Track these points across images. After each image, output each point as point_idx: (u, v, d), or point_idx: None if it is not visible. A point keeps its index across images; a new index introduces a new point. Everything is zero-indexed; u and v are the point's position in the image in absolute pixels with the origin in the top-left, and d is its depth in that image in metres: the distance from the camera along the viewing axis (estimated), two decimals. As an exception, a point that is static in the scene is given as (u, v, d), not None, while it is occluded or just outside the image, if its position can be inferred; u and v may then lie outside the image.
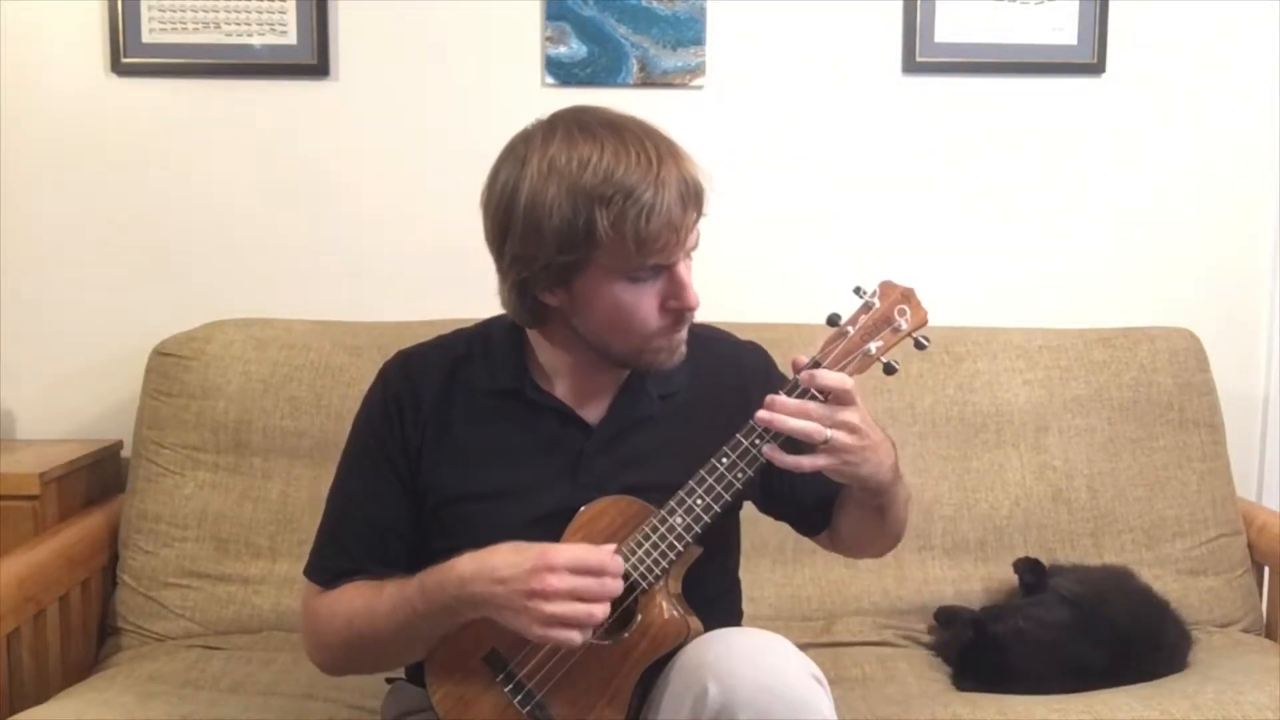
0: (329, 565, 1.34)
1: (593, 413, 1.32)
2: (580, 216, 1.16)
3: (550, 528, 1.24)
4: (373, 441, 1.34)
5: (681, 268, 1.22)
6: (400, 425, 1.32)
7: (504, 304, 1.29)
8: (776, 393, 1.18)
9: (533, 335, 1.33)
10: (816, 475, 1.30)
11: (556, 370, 1.33)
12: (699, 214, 1.22)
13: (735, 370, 1.38)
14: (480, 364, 1.34)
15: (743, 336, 1.48)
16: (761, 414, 1.17)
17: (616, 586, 1.16)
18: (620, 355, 1.27)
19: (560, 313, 1.26)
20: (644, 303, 1.22)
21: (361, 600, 1.28)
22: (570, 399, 1.32)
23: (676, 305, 1.23)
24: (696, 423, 1.27)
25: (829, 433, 1.16)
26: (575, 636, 1.14)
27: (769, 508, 1.43)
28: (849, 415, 1.17)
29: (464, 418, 1.32)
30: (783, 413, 1.16)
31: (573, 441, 1.31)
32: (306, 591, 1.36)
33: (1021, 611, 1.72)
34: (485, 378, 1.33)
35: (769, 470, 1.30)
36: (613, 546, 1.19)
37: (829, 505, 1.38)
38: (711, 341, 1.39)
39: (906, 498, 1.35)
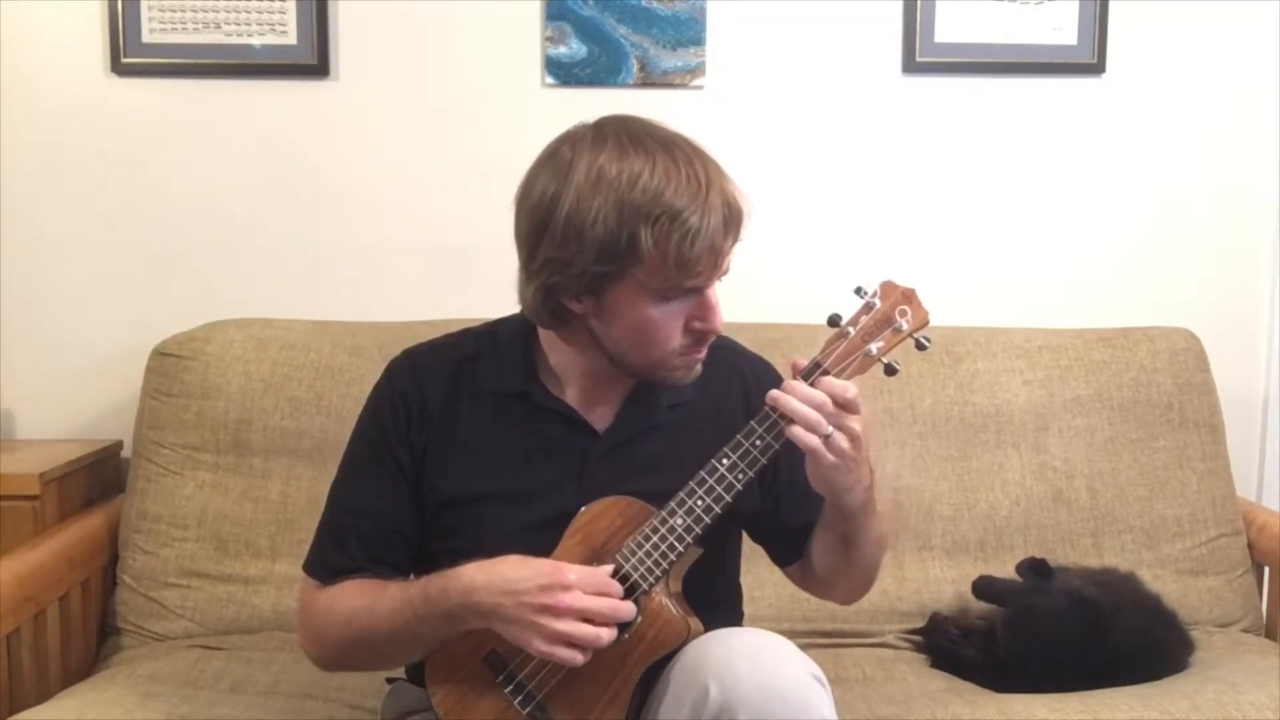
0: (328, 562, 1.34)
1: (600, 419, 1.32)
2: (624, 230, 1.16)
3: (552, 532, 1.24)
4: (378, 439, 1.34)
5: (710, 291, 1.23)
6: (406, 424, 1.32)
7: (523, 303, 1.28)
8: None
9: (545, 337, 1.32)
10: (804, 498, 1.29)
11: (567, 374, 1.32)
12: (736, 239, 1.22)
13: (742, 382, 1.38)
14: (488, 365, 1.34)
15: (742, 336, 1.48)
16: (773, 392, 1.17)
17: (626, 611, 1.16)
18: (636, 368, 1.27)
19: (582, 319, 1.25)
20: (670, 321, 1.22)
21: (363, 599, 1.28)
22: (578, 404, 1.32)
23: (702, 327, 1.24)
24: (703, 432, 1.26)
25: (831, 429, 1.15)
26: (578, 657, 1.15)
27: (751, 526, 1.42)
28: (853, 424, 1.17)
29: (470, 418, 1.32)
30: (794, 396, 1.16)
31: (579, 446, 1.31)
32: (304, 586, 1.36)
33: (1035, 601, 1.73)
34: (493, 379, 1.33)
35: (759, 489, 1.30)
36: (610, 567, 1.19)
37: (807, 533, 1.37)
38: (721, 352, 1.38)
39: (879, 539, 1.34)
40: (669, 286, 1.19)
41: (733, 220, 1.20)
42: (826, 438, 1.15)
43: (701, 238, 1.16)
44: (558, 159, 1.21)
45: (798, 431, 1.16)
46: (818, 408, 1.15)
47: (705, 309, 1.23)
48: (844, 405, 1.16)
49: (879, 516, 1.31)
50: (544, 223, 1.20)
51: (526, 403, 1.31)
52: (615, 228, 1.16)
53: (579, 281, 1.20)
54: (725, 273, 1.24)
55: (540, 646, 1.15)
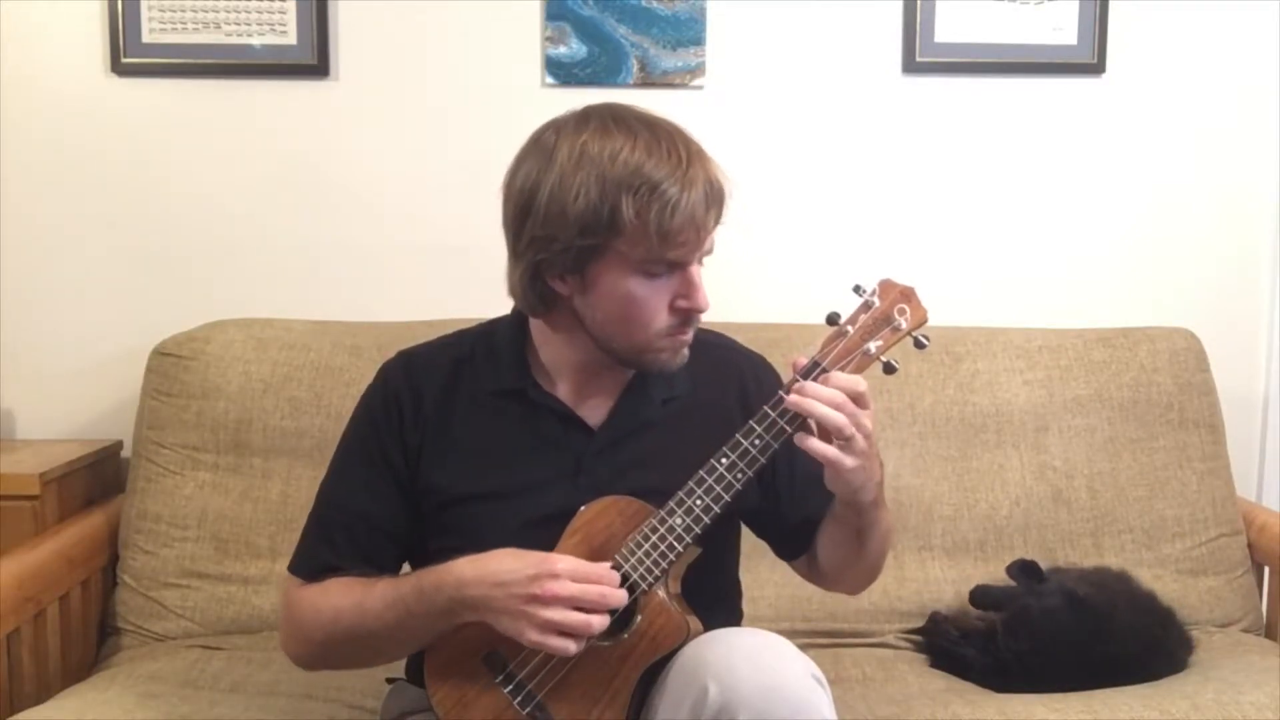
0: (315, 560, 1.34)
1: (595, 415, 1.32)
2: (606, 202, 1.17)
3: (550, 530, 1.24)
4: (371, 439, 1.34)
5: (694, 269, 1.23)
6: (400, 424, 1.32)
7: (511, 290, 1.28)
8: (773, 405, 1.19)
9: (537, 330, 1.33)
10: (806, 492, 1.30)
11: (559, 371, 1.32)
12: (718, 218, 1.23)
13: (739, 379, 1.38)
14: (483, 364, 1.34)
15: (742, 336, 1.48)
16: (792, 397, 1.16)
17: (617, 598, 1.16)
18: (623, 351, 1.27)
19: (568, 303, 1.26)
20: (654, 299, 1.22)
21: (350, 598, 1.28)
22: (572, 401, 1.32)
23: (686, 305, 1.23)
24: (698, 428, 1.26)
25: (853, 430, 1.15)
26: (570, 646, 1.15)
27: (753, 522, 1.42)
28: (866, 420, 1.16)
29: (465, 418, 1.32)
30: (815, 398, 1.15)
31: (574, 444, 1.31)
32: (288, 585, 1.36)
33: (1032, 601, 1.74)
34: (488, 378, 1.33)
35: (759, 485, 1.30)
36: (608, 564, 1.19)
37: (812, 528, 1.37)
38: (717, 348, 1.39)
39: (887, 530, 1.34)
40: (651, 259, 1.20)
41: (714, 197, 1.21)
42: (849, 440, 1.15)
43: (682, 209, 1.17)
44: (542, 144, 1.23)
45: (815, 445, 1.15)
46: (838, 408, 1.14)
47: (689, 286, 1.23)
48: (857, 400, 1.16)
49: (886, 508, 1.31)
50: (529, 204, 1.21)
51: (521, 400, 1.31)
52: (597, 201, 1.17)
53: (564, 258, 1.20)
54: (709, 252, 1.24)
55: (532, 636, 1.15)
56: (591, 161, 1.18)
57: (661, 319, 1.23)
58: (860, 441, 1.16)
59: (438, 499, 1.31)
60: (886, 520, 1.32)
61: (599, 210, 1.17)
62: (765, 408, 1.20)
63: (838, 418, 1.14)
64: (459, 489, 1.30)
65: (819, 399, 1.15)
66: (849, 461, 1.16)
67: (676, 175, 1.17)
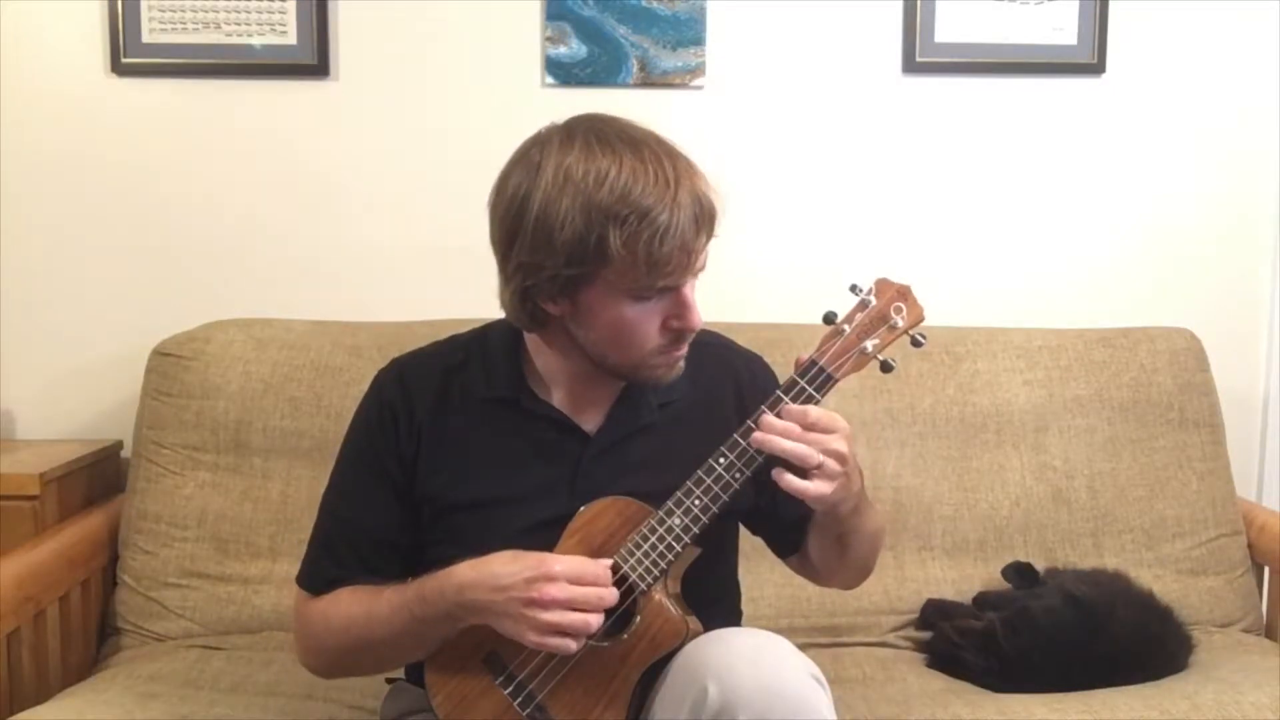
0: (321, 573, 1.34)
1: (590, 421, 1.32)
2: (593, 232, 1.15)
3: (547, 536, 1.24)
4: (367, 450, 1.34)
5: (687, 288, 1.22)
6: (395, 434, 1.32)
7: (504, 306, 1.28)
8: (771, 404, 1.19)
9: (531, 340, 1.32)
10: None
11: (554, 378, 1.32)
12: (710, 236, 1.21)
13: (734, 379, 1.38)
14: (477, 371, 1.34)
15: (742, 336, 1.48)
16: (757, 435, 1.17)
17: (612, 596, 1.16)
18: (617, 368, 1.27)
19: (560, 321, 1.25)
20: (646, 321, 1.22)
21: (359, 606, 1.28)
22: (568, 408, 1.32)
23: (679, 325, 1.23)
24: (695, 430, 1.26)
25: (820, 457, 1.15)
26: (570, 645, 1.15)
27: (749, 520, 1.42)
28: (834, 443, 1.16)
29: (460, 426, 1.32)
30: (775, 434, 1.16)
31: (570, 450, 1.31)
32: (298, 599, 1.37)
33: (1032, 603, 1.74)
34: (482, 385, 1.33)
35: (755, 484, 1.31)
36: (608, 561, 1.20)
37: (805, 525, 1.37)
38: (713, 348, 1.38)
39: (876, 531, 1.34)
40: (641, 287, 1.19)
41: (704, 217, 1.19)
42: (818, 467, 1.15)
43: (671, 236, 1.15)
44: (527, 161, 1.21)
45: (789, 480, 1.15)
46: (798, 439, 1.15)
47: (682, 307, 1.22)
48: (811, 428, 1.16)
49: (874, 510, 1.31)
50: (515, 226, 1.20)
51: (515, 408, 1.31)
52: (583, 230, 1.15)
53: (553, 284, 1.20)
54: (701, 270, 1.23)
55: (532, 638, 1.16)
56: (575, 186, 1.15)
57: (654, 339, 1.23)
58: (832, 465, 1.16)
59: (435, 507, 1.31)
60: (873, 522, 1.32)
61: (585, 240, 1.15)
62: (763, 407, 1.20)
63: (799, 449, 1.15)
64: (456, 497, 1.30)
65: (776, 433, 1.16)
66: (822, 489, 1.16)
67: (664, 201, 1.15)
